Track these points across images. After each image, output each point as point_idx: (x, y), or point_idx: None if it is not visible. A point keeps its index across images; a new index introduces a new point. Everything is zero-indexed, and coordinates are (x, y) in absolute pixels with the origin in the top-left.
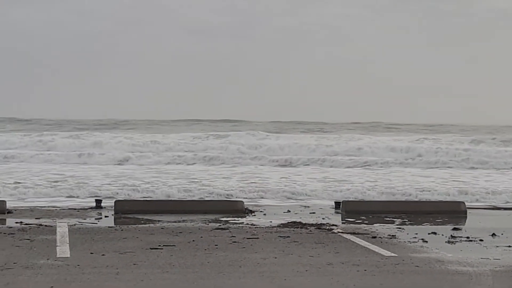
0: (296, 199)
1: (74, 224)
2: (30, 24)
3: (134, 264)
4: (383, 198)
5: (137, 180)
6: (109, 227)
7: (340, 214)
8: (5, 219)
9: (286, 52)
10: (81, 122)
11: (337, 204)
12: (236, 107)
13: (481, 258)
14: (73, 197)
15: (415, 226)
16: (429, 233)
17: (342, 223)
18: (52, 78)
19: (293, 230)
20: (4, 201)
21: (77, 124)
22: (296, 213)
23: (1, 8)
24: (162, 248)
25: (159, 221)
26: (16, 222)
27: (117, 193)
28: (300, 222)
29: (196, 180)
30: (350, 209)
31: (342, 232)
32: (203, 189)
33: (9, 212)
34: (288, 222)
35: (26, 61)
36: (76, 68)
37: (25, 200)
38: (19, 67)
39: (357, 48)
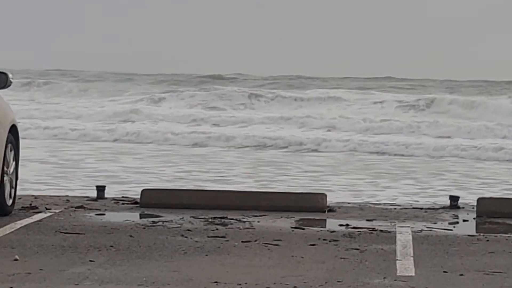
0: None
1: (421, 230)
2: None
3: None
4: None
5: None
6: (469, 235)
7: None
8: (325, 220)
9: None
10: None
11: None
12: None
13: None
14: None
15: None
16: None
17: None
18: None
19: None
20: (324, 195)
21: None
22: None
23: None
24: None
25: None
26: (341, 225)
27: None
28: None
29: None
30: None
31: None
32: None
33: (331, 210)
34: None
35: None
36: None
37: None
38: None
39: None
